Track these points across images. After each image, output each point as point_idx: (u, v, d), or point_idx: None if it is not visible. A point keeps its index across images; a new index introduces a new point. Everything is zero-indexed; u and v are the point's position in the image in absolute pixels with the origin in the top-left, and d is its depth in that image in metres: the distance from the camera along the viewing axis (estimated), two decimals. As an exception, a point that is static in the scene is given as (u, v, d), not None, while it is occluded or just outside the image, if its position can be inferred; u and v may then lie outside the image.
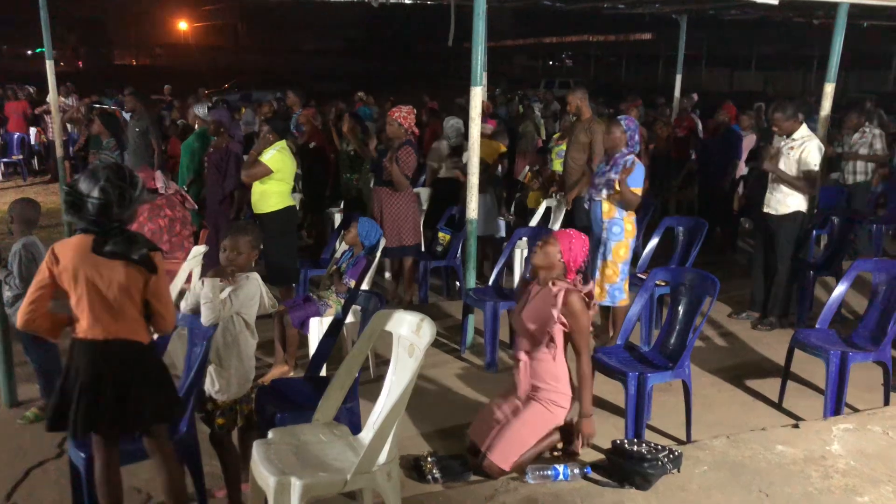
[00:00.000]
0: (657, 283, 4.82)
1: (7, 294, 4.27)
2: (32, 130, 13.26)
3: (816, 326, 4.66)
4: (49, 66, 8.33)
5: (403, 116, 6.15)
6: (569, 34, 41.78)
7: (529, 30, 43.69)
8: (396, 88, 18.07)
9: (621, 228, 5.17)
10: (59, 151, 8.89)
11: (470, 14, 5.19)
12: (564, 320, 3.58)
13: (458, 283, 6.77)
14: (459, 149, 7.48)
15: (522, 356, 3.72)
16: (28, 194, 11.27)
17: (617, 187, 5.06)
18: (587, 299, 3.64)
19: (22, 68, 28.36)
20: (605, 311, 5.49)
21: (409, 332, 2.80)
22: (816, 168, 5.59)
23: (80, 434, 2.81)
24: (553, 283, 3.66)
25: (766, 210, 5.80)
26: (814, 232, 6.73)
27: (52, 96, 8.69)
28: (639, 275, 5.66)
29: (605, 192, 5.15)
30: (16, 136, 12.81)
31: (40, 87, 12.02)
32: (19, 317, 2.82)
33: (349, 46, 56.12)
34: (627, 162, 5.07)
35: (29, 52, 47.59)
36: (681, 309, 4.29)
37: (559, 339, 3.62)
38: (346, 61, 50.21)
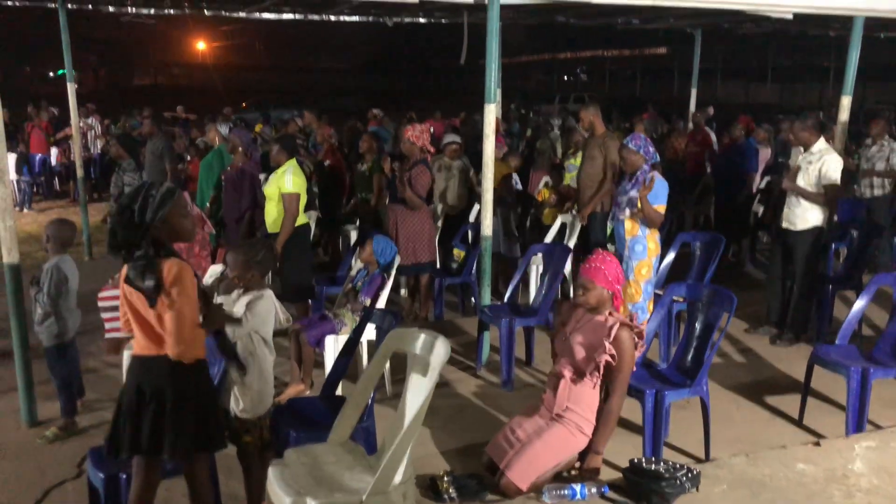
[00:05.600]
0: (674, 298, 4.79)
1: (38, 312, 4.33)
2: (54, 151, 13.48)
3: (836, 342, 4.60)
4: (70, 88, 8.49)
5: (417, 135, 6.19)
6: (583, 49, 41.91)
7: (543, 45, 43.88)
8: (412, 104, 18.26)
9: (644, 247, 5.15)
10: (79, 172, 9.02)
11: (484, 31, 5.22)
12: (614, 352, 3.57)
13: (473, 299, 6.77)
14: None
15: (567, 373, 3.70)
16: (49, 215, 11.50)
17: (639, 204, 5.05)
18: (638, 338, 3.63)
19: (44, 89, 28.85)
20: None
21: (424, 351, 2.80)
22: (838, 182, 5.55)
23: (124, 455, 2.80)
24: (610, 314, 3.65)
25: (784, 225, 5.76)
26: (832, 245, 6.66)
27: (73, 119, 8.85)
28: (656, 291, 5.63)
29: (628, 211, 5.14)
30: (38, 157, 13.02)
31: (63, 107, 12.29)
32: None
33: (365, 63, 56.60)
34: (647, 179, 5.06)
35: (51, 73, 48.41)
36: (698, 325, 4.26)
37: (602, 366, 3.61)
38: (361, 78, 50.64)
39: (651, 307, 5.20)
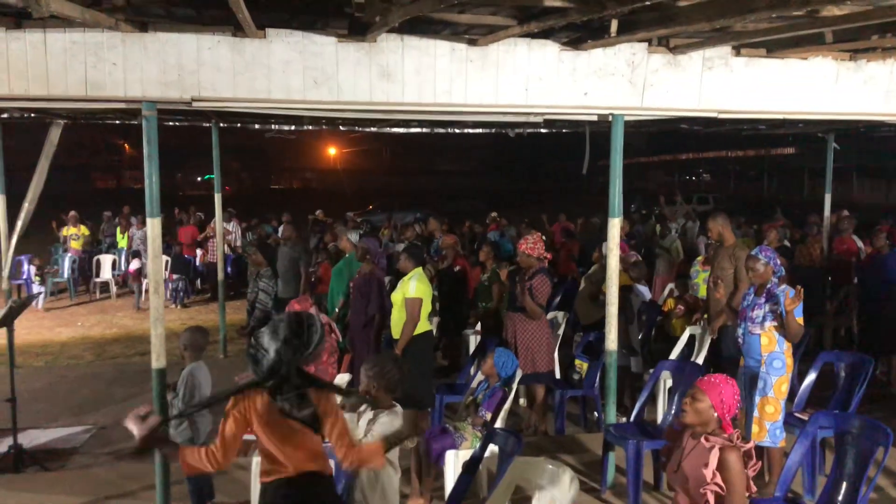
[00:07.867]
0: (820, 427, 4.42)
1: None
2: (198, 252, 14.58)
3: None
4: (217, 198, 9.27)
5: (531, 246, 6.22)
6: (706, 150, 41.27)
7: (664, 146, 43.54)
8: (531, 205, 18.52)
9: (782, 363, 4.86)
10: (220, 275, 9.66)
11: (604, 136, 5.28)
12: (720, 482, 3.22)
13: (596, 413, 6.54)
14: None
15: None
16: (190, 312, 12.33)
17: (784, 317, 4.79)
18: (747, 458, 3.32)
19: (192, 194, 31.50)
20: (759, 451, 5.07)
21: (552, 486, 2.71)
22: None
23: None
24: (706, 439, 3.29)
25: (942, 346, 5.27)
26: None
27: (217, 225, 9.61)
28: (796, 414, 5.24)
29: (767, 324, 4.89)
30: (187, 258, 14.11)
31: (207, 211, 13.36)
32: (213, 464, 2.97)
33: (484, 165, 58.23)
34: (790, 292, 4.82)
35: (198, 178, 52.99)
36: (849, 461, 3.89)
37: (712, 500, 3.30)
38: (481, 180, 52.02)
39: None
